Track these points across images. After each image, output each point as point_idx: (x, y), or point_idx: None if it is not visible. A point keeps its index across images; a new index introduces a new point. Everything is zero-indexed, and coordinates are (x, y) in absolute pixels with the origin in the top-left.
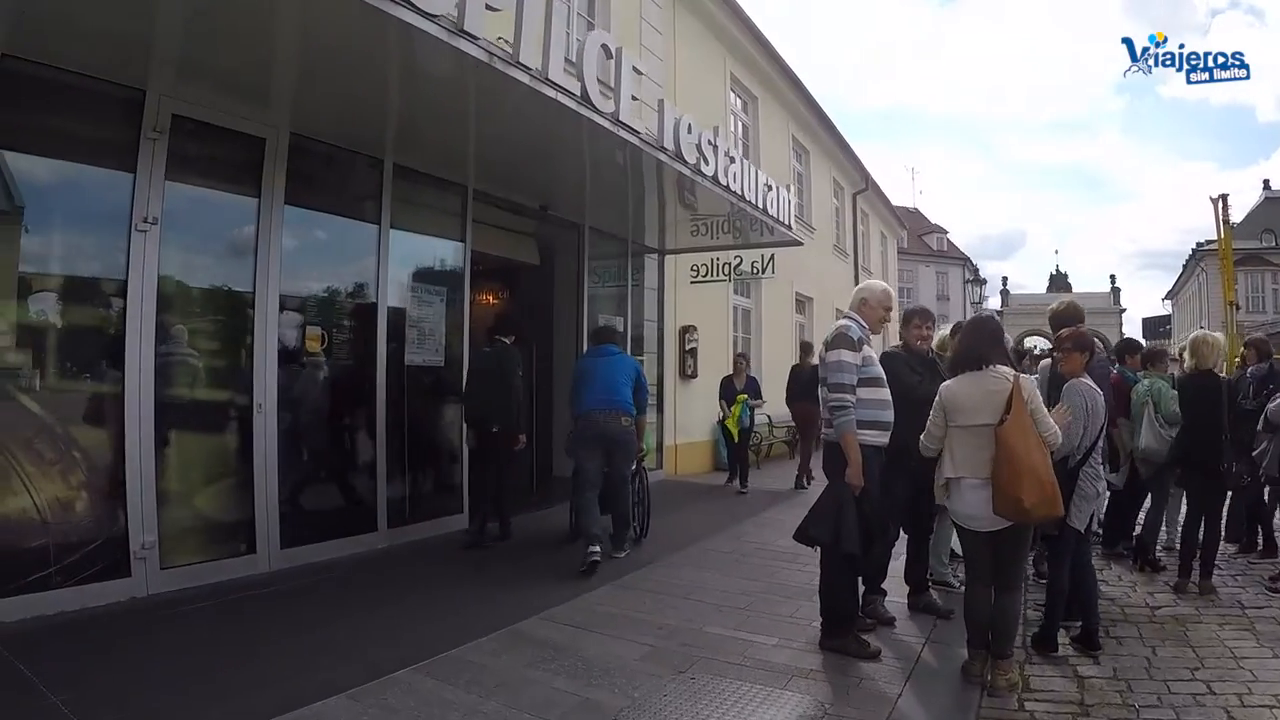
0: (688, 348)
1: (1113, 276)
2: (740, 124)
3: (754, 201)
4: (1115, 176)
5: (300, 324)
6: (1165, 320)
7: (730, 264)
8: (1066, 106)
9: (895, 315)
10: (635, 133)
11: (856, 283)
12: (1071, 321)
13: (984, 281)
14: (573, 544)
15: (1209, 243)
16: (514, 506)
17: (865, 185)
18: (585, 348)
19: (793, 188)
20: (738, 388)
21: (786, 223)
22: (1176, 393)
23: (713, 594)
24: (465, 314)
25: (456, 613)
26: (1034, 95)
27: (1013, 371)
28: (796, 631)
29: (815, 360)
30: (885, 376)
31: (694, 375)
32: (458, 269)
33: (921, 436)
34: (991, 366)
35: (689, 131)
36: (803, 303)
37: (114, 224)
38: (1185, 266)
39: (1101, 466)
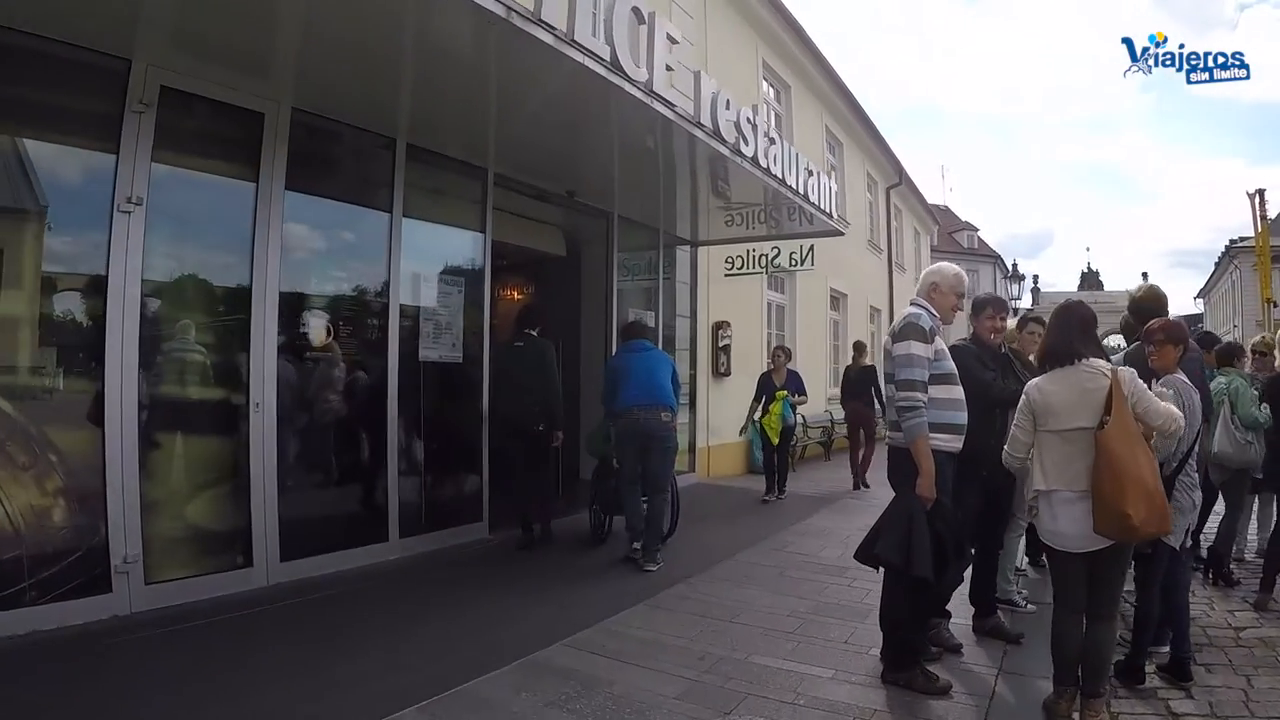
0: (721, 345)
1: (1145, 274)
2: (773, 113)
3: (795, 187)
4: (1142, 174)
5: (303, 317)
6: (1197, 319)
7: (767, 256)
8: (1092, 104)
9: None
10: (670, 105)
11: (890, 280)
12: (1157, 311)
13: (1022, 278)
14: (597, 548)
15: (1243, 239)
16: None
17: (899, 179)
18: (614, 345)
19: (833, 174)
20: (777, 384)
21: (828, 211)
22: (1255, 393)
23: (757, 615)
24: (486, 308)
25: (471, 637)
26: (1059, 93)
27: (1108, 365)
28: (854, 661)
29: (869, 360)
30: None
31: (727, 374)
32: (477, 260)
33: (1006, 447)
34: (1084, 360)
35: (727, 108)
36: (837, 299)
37: (94, 205)
38: (1218, 264)
39: (1197, 475)
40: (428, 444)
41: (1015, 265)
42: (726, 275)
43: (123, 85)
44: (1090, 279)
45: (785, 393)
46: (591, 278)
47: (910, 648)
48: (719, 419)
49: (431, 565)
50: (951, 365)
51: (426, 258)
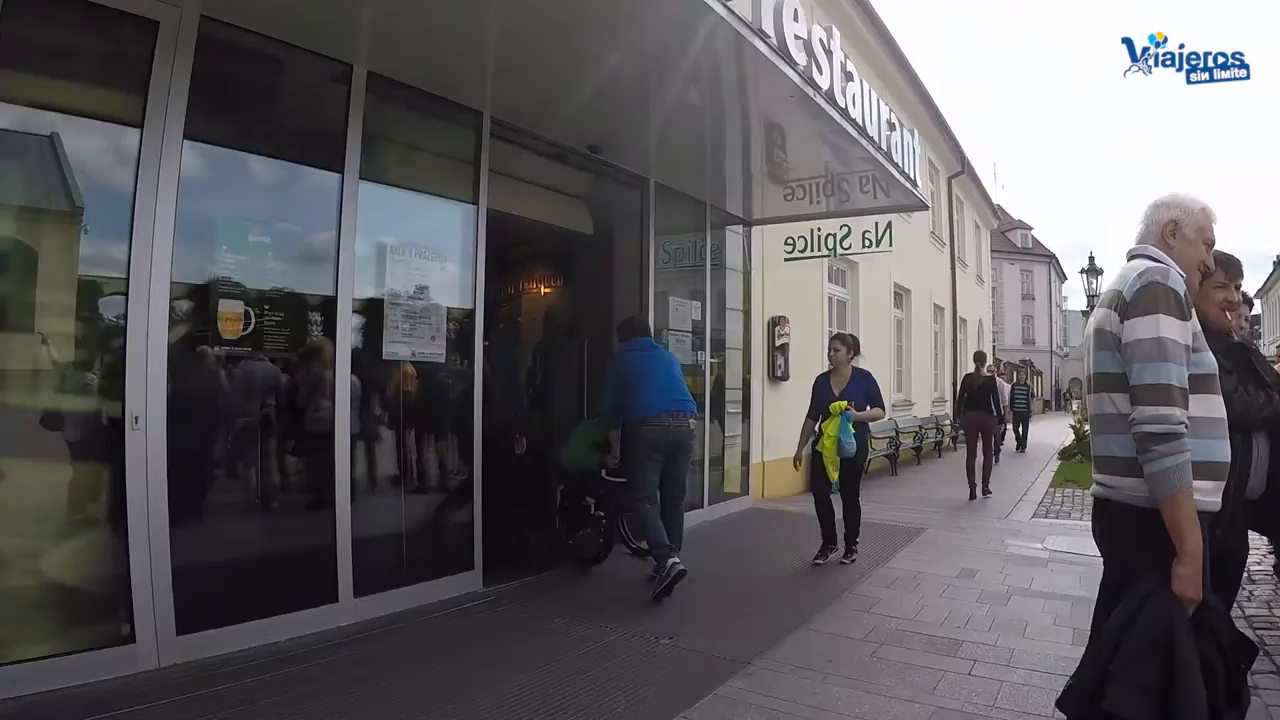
0: (777, 344)
1: None
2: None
3: (877, 140)
4: (1186, 171)
5: (207, 299)
6: (1255, 320)
7: (835, 235)
8: (1134, 97)
9: None
10: None
11: (953, 276)
12: None
13: (1100, 271)
14: (603, 592)
15: None
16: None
17: (961, 168)
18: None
19: (916, 133)
20: (835, 391)
21: (912, 176)
22: None
23: None
24: (477, 295)
25: None
26: (1100, 88)
27: None
28: None
29: (988, 371)
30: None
31: (784, 377)
32: (467, 236)
33: None
34: None
35: (796, 19)
36: (900, 295)
37: None
38: (1276, 263)
39: None
40: (396, 466)
41: (1092, 258)
42: (786, 259)
43: None
44: None
45: (846, 404)
46: (625, 263)
47: None
48: (775, 430)
49: (396, 634)
50: (1211, 359)
51: (393, 231)
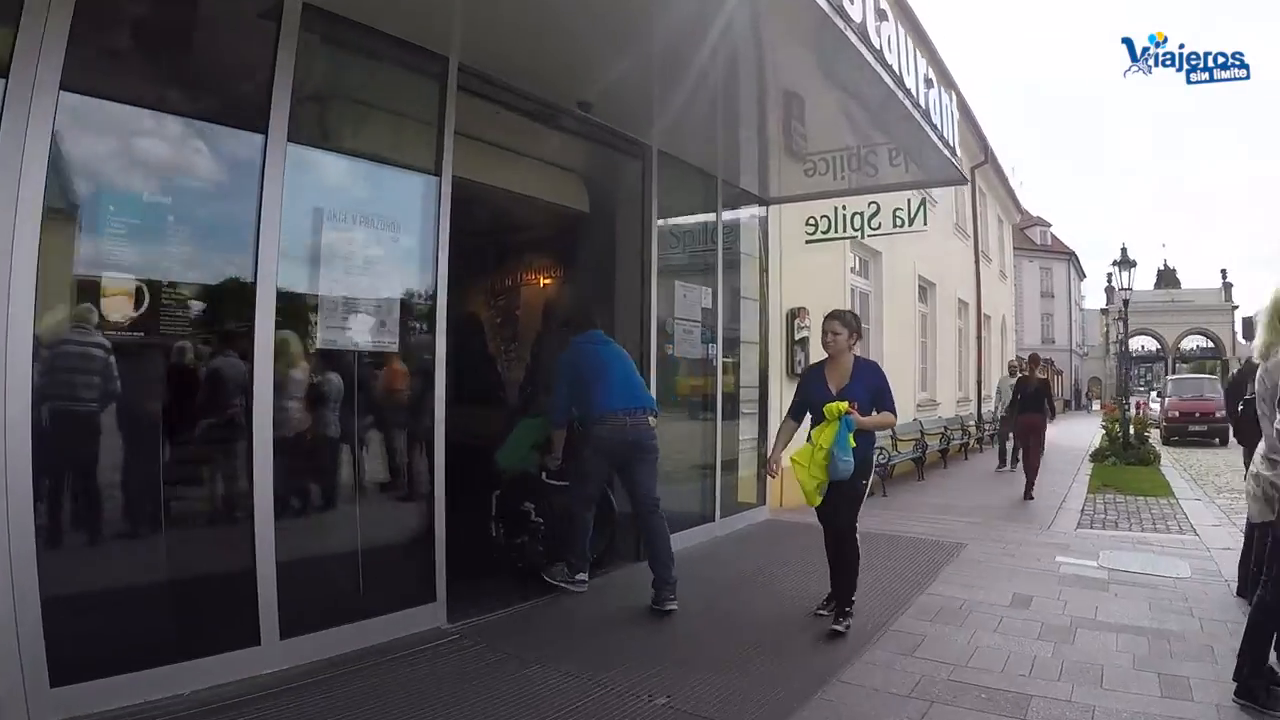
0: (797, 338)
1: (1224, 271)
2: None
3: (914, 94)
4: (1206, 168)
5: (89, 277)
6: None
7: (862, 214)
8: (1155, 93)
9: None
10: None
11: (977, 270)
12: None
13: (1133, 264)
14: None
15: None
16: None
17: (984, 159)
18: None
19: (955, 96)
20: (832, 389)
21: (951, 143)
22: None
23: None
24: (438, 278)
25: None
26: (1116, 85)
27: None
28: None
29: (1041, 375)
30: None
31: None
32: (427, 211)
33: None
34: None
35: None
36: (925, 289)
37: None
38: None
39: None
40: (335, 478)
41: (1125, 249)
42: (808, 241)
43: None
44: (1167, 277)
45: (845, 406)
46: (627, 244)
47: None
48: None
49: (333, 686)
50: None
51: (330, 203)
